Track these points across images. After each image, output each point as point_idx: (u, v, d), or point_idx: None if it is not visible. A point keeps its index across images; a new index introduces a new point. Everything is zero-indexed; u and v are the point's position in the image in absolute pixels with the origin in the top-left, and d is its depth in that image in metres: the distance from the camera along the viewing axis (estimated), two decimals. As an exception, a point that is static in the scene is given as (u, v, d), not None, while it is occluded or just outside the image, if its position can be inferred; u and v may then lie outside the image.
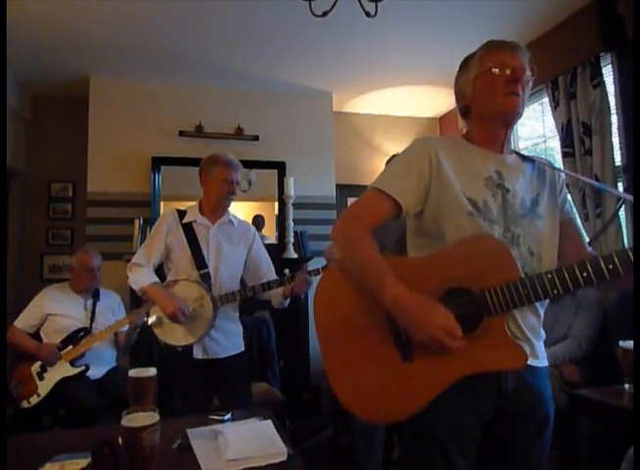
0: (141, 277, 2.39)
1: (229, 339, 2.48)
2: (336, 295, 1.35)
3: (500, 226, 1.29)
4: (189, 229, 2.46)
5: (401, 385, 1.24)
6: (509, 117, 1.35)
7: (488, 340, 1.21)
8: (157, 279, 2.42)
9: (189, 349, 2.37)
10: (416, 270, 1.29)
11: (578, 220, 1.50)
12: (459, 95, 1.45)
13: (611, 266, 1.12)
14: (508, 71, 1.30)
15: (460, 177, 1.31)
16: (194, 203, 2.56)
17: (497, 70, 1.31)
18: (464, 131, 1.47)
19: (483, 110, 1.36)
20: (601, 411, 2.06)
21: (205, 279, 2.41)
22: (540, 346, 1.34)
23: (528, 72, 1.33)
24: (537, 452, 1.33)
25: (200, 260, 2.42)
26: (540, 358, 1.33)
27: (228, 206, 2.54)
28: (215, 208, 2.51)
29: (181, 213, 2.50)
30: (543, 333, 1.35)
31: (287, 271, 2.49)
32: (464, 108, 1.44)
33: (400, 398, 1.24)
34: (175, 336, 2.38)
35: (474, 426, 1.27)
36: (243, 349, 2.55)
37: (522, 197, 1.34)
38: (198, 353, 2.39)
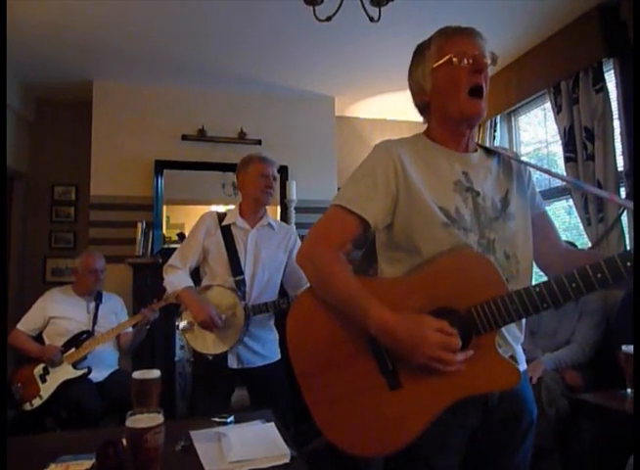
0: (176, 280, 2.36)
1: (265, 346, 2.44)
2: (310, 324, 1.26)
3: (475, 234, 1.21)
4: (227, 232, 2.42)
5: (391, 415, 1.16)
6: (473, 121, 1.27)
7: (479, 359, 1.13)
8: (191, 283, 2.38)
9: (222, 358, 2.33)
10: (395, 293, 1.20)
11: (549, 213, 1.42)
12: (416, 90, 1.32)
13: (599, 275, 1.07)
14: (470, 61, 1.21)
15: (428, 184, 1.22)
16: (234, 207, 2.52)
17: (457, 60, 1.22)
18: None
19: (446, 109, 1.26)
20: (603, 416, 2.06)
21: (240, 286, 2.36)
22: (520, 349, 1.30)
23: (488, 61, 1.24)
24: (522, 457, 1.30)
25: (236, 266, 2.37)
26: (521, 363, 1.28)
27: (267, 202, 2.49)
28: (255, 207, 2.47)
29: (220, 216, 2.47)
30: (522, 336, 1.30)
31: None
32: (423, 103, 1.32)
33: (392, 429, 1.16)
34: (205, 344, 2.34)
35: (460, 440, 1.23)
36: (279, 356, 2.47)
37: (492, 198, 1.26)
38: (232, 363, 2.35)
